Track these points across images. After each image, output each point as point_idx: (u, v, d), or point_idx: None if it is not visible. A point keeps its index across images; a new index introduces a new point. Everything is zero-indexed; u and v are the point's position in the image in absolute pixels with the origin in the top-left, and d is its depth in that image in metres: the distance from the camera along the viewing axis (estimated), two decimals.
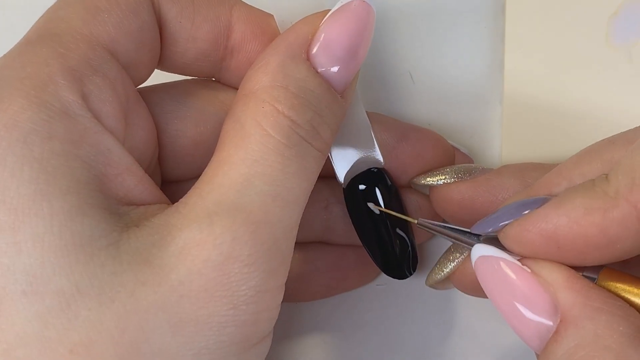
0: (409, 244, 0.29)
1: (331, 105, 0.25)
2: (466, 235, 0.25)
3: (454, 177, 0.29)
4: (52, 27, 0.23)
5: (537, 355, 0.23)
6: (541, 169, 0.28)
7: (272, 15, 0.27)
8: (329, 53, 0.25)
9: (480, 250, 0.24)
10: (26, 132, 0.21)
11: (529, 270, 0.23)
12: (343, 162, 0.29)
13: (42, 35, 0.23)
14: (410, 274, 0.30)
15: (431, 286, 0.30)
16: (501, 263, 0.23)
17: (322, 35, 0.25)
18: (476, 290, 0.25)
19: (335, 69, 0.25)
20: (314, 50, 0.25)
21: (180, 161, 0.28)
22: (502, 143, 0.32)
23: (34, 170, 0.21)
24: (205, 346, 0.21)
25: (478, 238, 0.25)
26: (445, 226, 0.26)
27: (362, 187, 0.29)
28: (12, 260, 0.20)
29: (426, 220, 0.27)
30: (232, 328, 0.22)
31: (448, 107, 0.33)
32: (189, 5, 0.26)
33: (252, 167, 0.23)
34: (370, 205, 0.29)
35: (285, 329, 0.33)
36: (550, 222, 0.22)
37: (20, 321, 0.20)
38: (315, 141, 0.24)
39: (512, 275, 0.23)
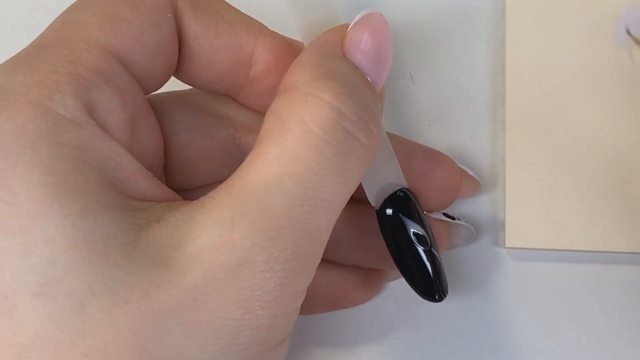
0: (442, 265, 0.29)
1: (376, 101, 0.24)
2: None
3: None
4: (67, 31, 0.23)
5: None
6: None
7: (299, 42, 0.27)
8: (362, 52, 0.24)
9: None
10: (34, 140, 0.21)
11: None
12: (373, 183, 0.28)
13: (55, 39, 0.23)
14: (445, 296, 0.29)
15: None
16: None
17: (352, 37, 0.25)
18: None
19: (370, 69, 0.25)
20: (347, 50, 0.25)
21: (184, 171, 0.27)
22: (505, 144, 0.32)
23: (44, 174, 0.21)
24: (220, 350, 0.21)
25: None
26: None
27: (398, 212, 0.28)
28: (22, 262, 0.20)
29: None
30: (247, 332, 0.21)
31: (449, 108, 0.33)
32: (211, 27, 0.25)
33: (286, 166, 0.22)
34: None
35: None
36: None
37: (32, 323, 0.20)
38: (364, 136, 0.23)
39: None
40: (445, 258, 0.32)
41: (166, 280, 0.21)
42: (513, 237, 0.31)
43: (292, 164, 0.22)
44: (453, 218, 0.31)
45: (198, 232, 0.21)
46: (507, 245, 0.31)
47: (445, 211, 0.31)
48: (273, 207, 0.22)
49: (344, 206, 0.23)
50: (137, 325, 0.20)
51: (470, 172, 0.31)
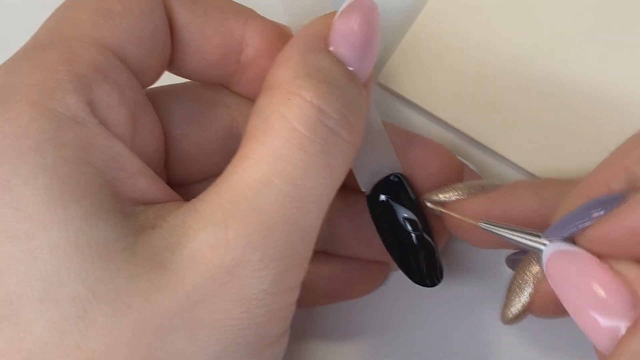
0: (435, 250, 0.29)
1: (358, 95, 0.24)
2: (535, 241, 0.24)
3: (467, 193, 0.28)
4: (62, 30, 0.23)
5: (599, 353, 0.22)
6: (556, 184, 0.27)
7: (288, 28, 0.27)
8: (347, 43, 0.24)
9: (556, 246, 0.23)
10: (37, 142, 0.21)
11: (608, 266, 0.22)
12: (363, 169, 0.28)
13: (50, 38, 0.23)
14: (439, 281, 0.29)
15: (509, 323, 0.27)
16: (579, 257, 0.22)
17: (338, 27, 0.25)
18: (557, 309, 0.24)
19: (355, 59, 0.24)
20: (333, 41, 0.24)
21: (184, 164, 0.27)
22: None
23: (47, 177, 0.21)
24: (221, 349, 0.22)
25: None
26: (512, 227, 0.25)
27: (387, 197, 0.28)
28: (27, 268, 0.20)
29: (490, 221, 0.26)
30: (246, 330, 0.22)
31: None
32: (201, 15, 0.25)
33: (273, 164, 0.22)
34: (430, 205, 0.28)
35: None
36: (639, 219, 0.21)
37: (38, 329, 0.20)
38: (346, 131, 0.23)
39: (591, 269, 0.22)
40: (443, 249, 0.32)
41: (165, 283, 0.21)
42: (387, 76, 0.32)
43: (279, 163, 0.22)
44: None
45: (192, 235, 0.22)
46: (378, 80, 0.32)
47: None
48: (264, 206, 0.22)
49: (331, 200, 0.24)
50: (140, 328, 0.21)
51: (471, 166, 0.31)
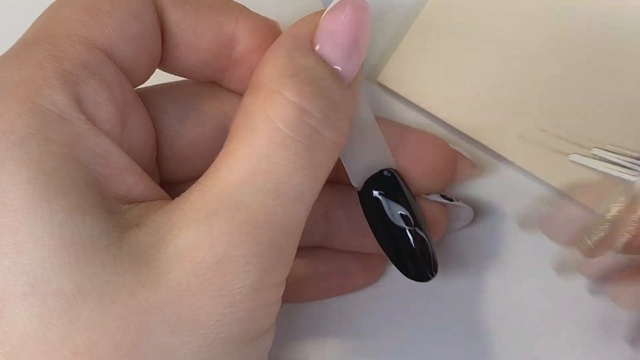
0: (429, 244, 0.29)
1: (343, 94, 0.25)
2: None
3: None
4: (50, 28, 0.23)
5: None
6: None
7: (278, 23, 0.27)
8: (333, 43, 0.25)
9: None
10: (22, 137, 0.21)
11: None
12: (355, 165, 0.28)
13: (38, 36, 0.23)
14: (434, 276, 0.29)
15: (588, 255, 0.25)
16: None
17: (324, 27, 0.25)
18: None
19: (341, 58, 0.25)
20: (319, 40, 0.25)
21: (178, 162, 0.28)
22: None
23: (32, 171, 0.21)
24: (205, 344, 0.22)
25: None
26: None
27: (379, 193, 0.28)
28: (12, 262, 0.20)
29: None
30: (229, 325, 0.22)
31: None
32: (192, 12, 0.26)
33: (257, 163, 0.23)
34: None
35: (281, 328, 0.33)
36: None
37: (22, 323, 0.20)
38: (329, 131, 0.24)
39: None
40: (440, 241, 0.32)
41: (150, 279, 0.21)
42: (387, 77, 0.33)
43: (262, 162, 0.23)
44: (451, 200, 0.31)
45: (176, 232, 0.22)
46: (378, 79, 0.33)
47: (443, 193, 0.31)
48: (248, 204, 0.22)
49: (316, 197, 0.24)
50: (124, 323, 0.21)
51: (464, 154, 0.31)
